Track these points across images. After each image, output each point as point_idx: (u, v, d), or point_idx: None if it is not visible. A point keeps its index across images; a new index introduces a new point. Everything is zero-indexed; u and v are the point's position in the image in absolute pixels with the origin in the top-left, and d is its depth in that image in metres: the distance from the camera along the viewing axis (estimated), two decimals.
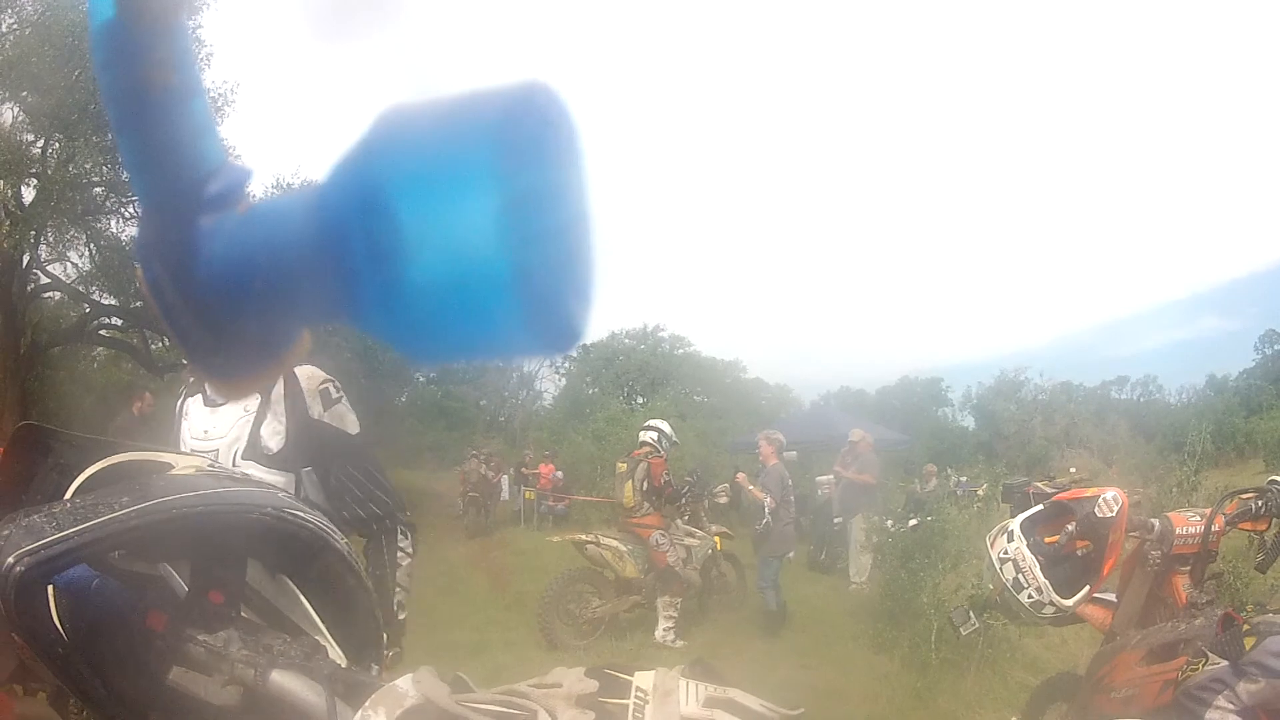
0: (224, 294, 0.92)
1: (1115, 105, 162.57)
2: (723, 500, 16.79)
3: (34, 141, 26.58)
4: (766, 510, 15.17)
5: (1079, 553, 4.96)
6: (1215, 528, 5.06)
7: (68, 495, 1.61)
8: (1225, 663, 4.29)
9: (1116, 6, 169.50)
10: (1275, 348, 76.63)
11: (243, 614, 1.62)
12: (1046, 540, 4.97)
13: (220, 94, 26.86)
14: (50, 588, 1.44)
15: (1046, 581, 4.74)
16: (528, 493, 33.05)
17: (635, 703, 1.37)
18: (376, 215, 0.77)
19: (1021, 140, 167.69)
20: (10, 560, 1.31)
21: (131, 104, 0.92)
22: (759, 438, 17.19)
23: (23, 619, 1.34)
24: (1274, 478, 5.30)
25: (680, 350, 72.76)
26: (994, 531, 5.17)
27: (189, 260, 0.91)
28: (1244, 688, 4.21)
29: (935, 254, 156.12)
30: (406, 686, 1.29)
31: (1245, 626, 4.22)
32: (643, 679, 1.42)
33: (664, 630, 14.00)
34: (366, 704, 1.28)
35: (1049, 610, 4.78)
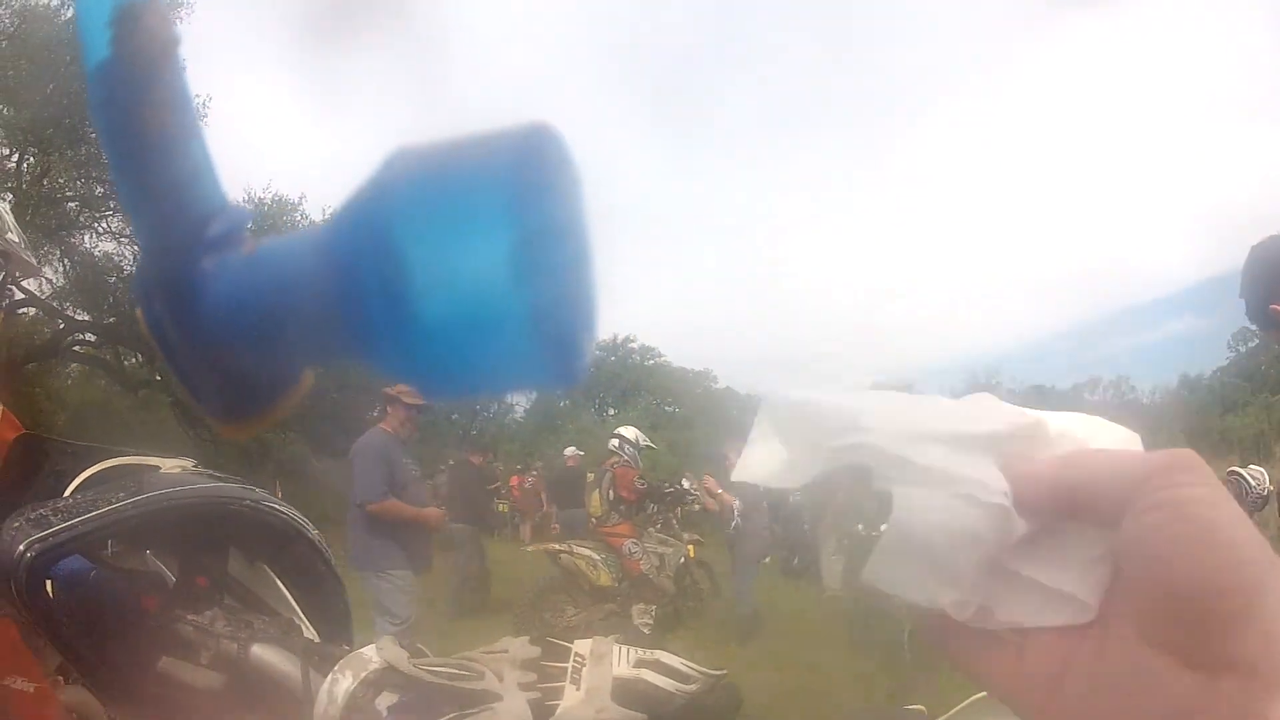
0: (231, 335, 0.92)
1: (1086, 107, 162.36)
2: (696, 507, 16.71)
3: (9, 156, 26.10)
4: (736, 513, 15.17)
5: None
6: None
7: (67, 494, 1.75)
8: None
9: (1096, 9, 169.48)
10: (1249, 345, 76.21)
11: (226, 601, 1.76)
12: None
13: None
14: (49, 583, 1.57)
15: None
16: (501, 505, 32.60)
17: (574, 665, 1.47)
18: (389, 255, 0.77)
19: (993, 143, 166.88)
20: (21, 548, 1.45)
21: (129, 145, 0.92)
22: (728, 450, 17.18)
23: (31, 600, 1.49)
24: (1234, 468, 5.36)
25: (651, 361, 71.79)
26: None
27: (192, 302, 0.92)
28: None
29: (904, 258, 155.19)
30: (371, 653, 1.41)
31: None
32: (581, 645, 1.53)
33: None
34: (335, 668, 1.40)
35: None
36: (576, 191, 0.84)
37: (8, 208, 3.90)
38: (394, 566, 9.22)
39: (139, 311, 0.97)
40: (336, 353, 0.90)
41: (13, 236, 4.00)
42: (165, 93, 0.90)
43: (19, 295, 28.67)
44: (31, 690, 3.32)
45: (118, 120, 0.91)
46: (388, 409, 9.66)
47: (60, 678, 3.57)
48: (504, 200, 0.76)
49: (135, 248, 28.63)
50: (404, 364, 0.81)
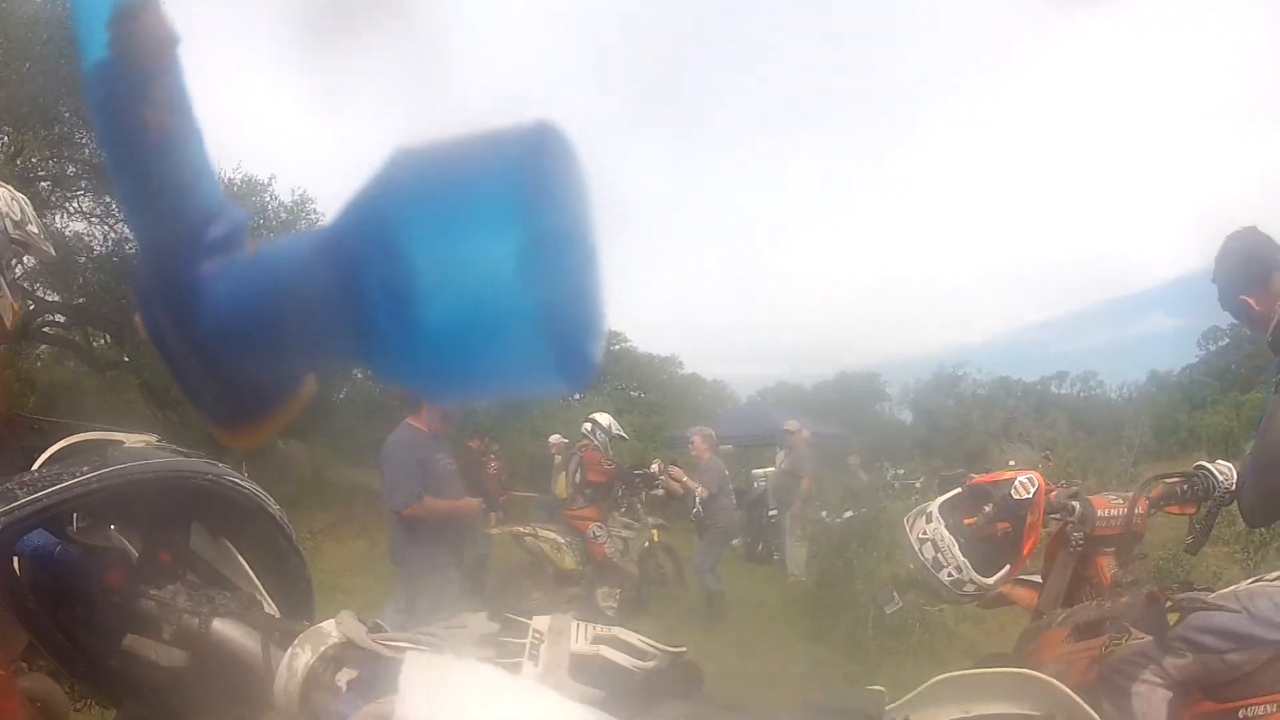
0: (232, 339, 0.93)
1: (1061, 103, 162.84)
2: (660, 493, 16.75)
3: None
4: (697, 499, 15.32)
5: (999, 534, 4.90)
6: (1139, 510, 5.09)
7: (34, 469, 1.76)
8: (1149, 638, 4.38)
9: (1087, 10, 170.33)
10: (1218, 344, 76.30)
11: (188, 577, 1.76)
12: (965, 522, 4.94)
13: None
14: (16, 560, 1.58)
15: (965, 560, 4.74)
16: None
17: (531, 641, 1.47)
18: (392, 257, 0.77)
19: (967, 135, 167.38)
20: None
21: (127, 146, 0.92)
22: (692, 434, 17.31)
23: None
24: (1201, 462, 5.36)
25: (616, 345, 70.59)
26: (912, 514, 5.16)
27: (191, 305, 0.93)
28: (1171, 662, 4.31)
29: (873, 248, 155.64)
30: (330, 628, 1.41)
31: (1168, 603, 4.21)
32: (540, 622, 1.53)
33: None
34: (294, 643, 1.40)
35: (969, 588, 4.79)
36: (583, 190, 0.84)
37: (27, 200, 3.98)
38: (433, 566, 9.07)
39: (137, 317, 0.97)
40: (340, 356, 0.90)
41: (33, 228, 4.09)
42: (164, 93, 0.91)
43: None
44: None
45: (116, 121, 0.91)
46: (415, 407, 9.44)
47: (24, 664, 3.58)
48: (510, 200, 0.77)
49: (106, 227, 28.54)
50: (410, 367, 0.82)
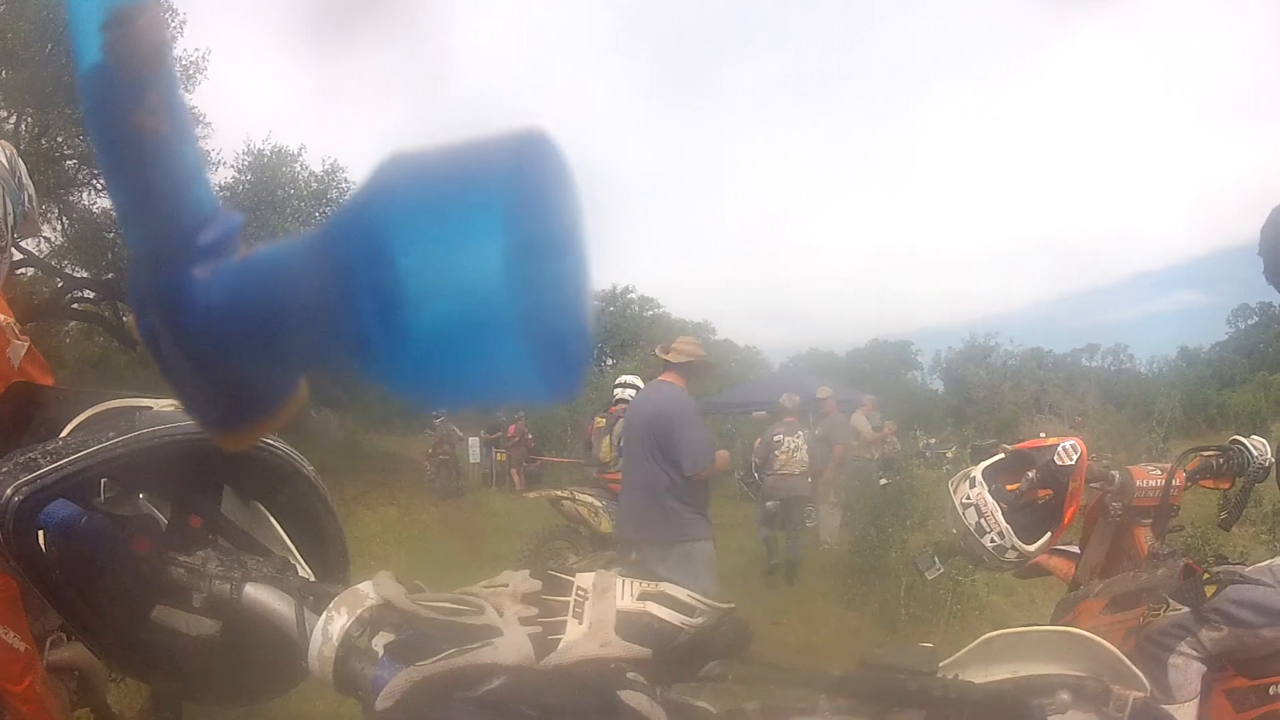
0: (223, 344, 0.93)
1: (1095, 77, 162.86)
2: None
3: (7, 117, 26.26)
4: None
5: (1040, 501, 4.88)
6: (1176, 482, 5.07)
7: (59, 437, 1.72)
8: (1186, 610, 4.35)
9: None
10: (1249, 321, 76.43)
11: (220, 543, 1.72)
12: (1008, 488, 4.87)
13: (191, 62, 26.87)
14: (41, 533, 1.54)
15: (1008, 526, 4.64)
16: (499, 454, 33.10)
17: (576, 599, 1.44)
18: (383, 263, 0.77)
19: (1000, 108, 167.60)
20: (9, 492, 1.42)
21: (121, 151, 0.91)
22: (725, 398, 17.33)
23: (20, 547, 1.46)
24: (1236, 437, 5.34)
25: (650, 312, 71.20)
26: (956, 478, 5.06)
27: (184, 310, 0.93)
28: (1207, 635, 4.27)
29: (907, 217, 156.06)
30: (367, 589, 1.38)
31: (1205, 575, 4.23)
32: (583, 579, 1.50)
33: None
34: (330, 605, 1.36)
35: (1012, 555, 4.68)
36: (573, 199, 0.84)
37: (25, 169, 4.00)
38: (704, 533, 8.84)
39: (133, 320, 1.00)
40: (332, 361, 0.89)
41: (29, 191, 4.11)
42: (158, 97, 0.89)
43: (18, 256, 28.78)
44: (22, 649, 3.32)
45: (110, 125, 0.90)
46: (675, 365, 9.10)
47: (63, 635, 3.56)
48: (501, 207, 0.76)
49: None
50: (400, 372, 0.81)
